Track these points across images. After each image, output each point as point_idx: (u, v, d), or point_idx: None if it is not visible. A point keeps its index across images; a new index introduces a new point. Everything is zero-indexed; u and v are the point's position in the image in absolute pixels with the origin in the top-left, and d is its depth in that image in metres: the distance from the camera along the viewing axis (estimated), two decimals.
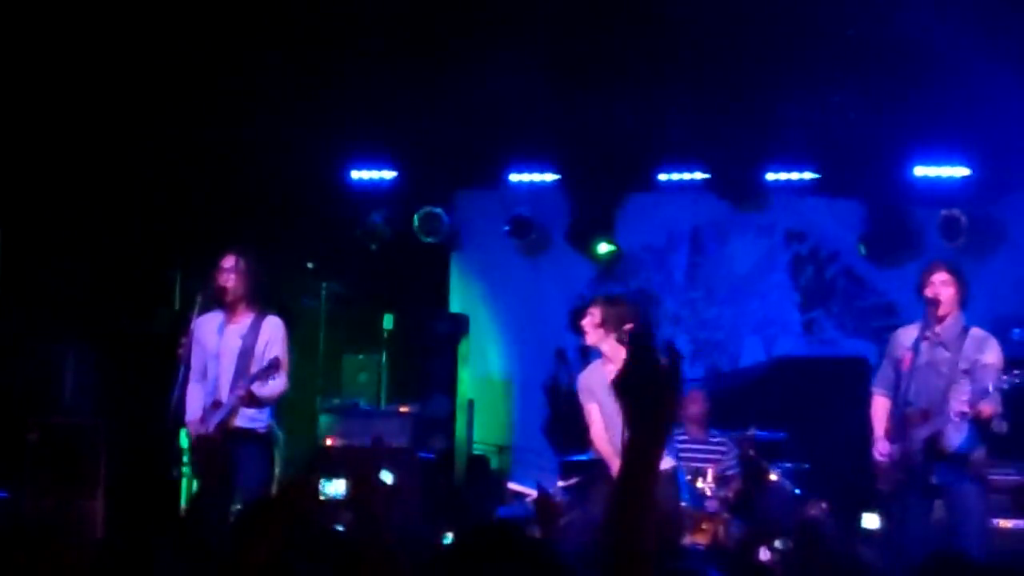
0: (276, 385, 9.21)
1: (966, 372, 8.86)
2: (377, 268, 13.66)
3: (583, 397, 9.37)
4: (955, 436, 8.84)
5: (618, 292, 12.54)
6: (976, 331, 9.04)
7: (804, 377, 12.81)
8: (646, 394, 2.96)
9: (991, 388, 8.60)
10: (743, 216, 13.45)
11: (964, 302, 9.04)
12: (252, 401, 9.16)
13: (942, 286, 8.95)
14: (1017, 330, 11.68)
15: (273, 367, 9.08)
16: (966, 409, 8.63)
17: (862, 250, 12.87)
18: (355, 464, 4.88)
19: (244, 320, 9.37)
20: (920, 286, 9.05)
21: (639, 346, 3.03)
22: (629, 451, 3.01)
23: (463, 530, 4.72)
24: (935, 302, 8.93)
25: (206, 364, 9.38)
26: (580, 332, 9.49)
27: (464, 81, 12.09)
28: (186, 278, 9.44)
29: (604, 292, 13.38)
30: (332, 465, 10.90)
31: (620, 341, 9.20)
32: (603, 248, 13.45)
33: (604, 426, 9.20)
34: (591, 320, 9.31)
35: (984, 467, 8.99)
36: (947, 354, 8.95)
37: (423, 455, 12.32)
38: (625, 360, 3.06)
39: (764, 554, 9.89)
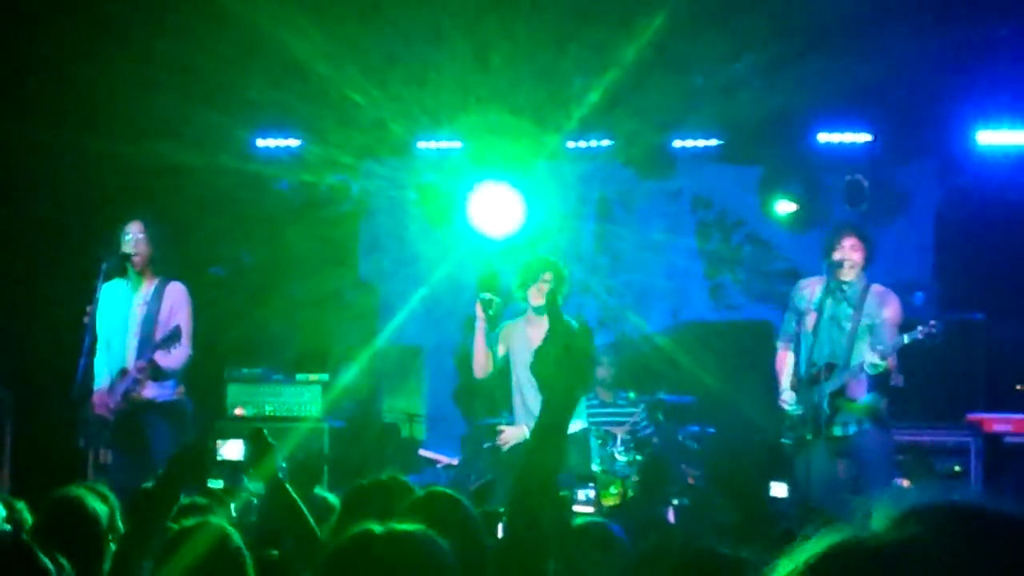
0: (179, 355, 9.20)
1: (869, 328, 9.07)
2: (285, 236, 13.60)
3: (499, 338, 9.67)
4: (858, 388, 9.05)
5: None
6: (877, 287, 9.27)
7: (711, 341, 12.93)
8: (563, 363, 3.03)
9: (906, 339, 8.80)
10: (649, 183, 13.53)
11: (869, 264, 9.24)
12: (156, 373, 9.15)
13: (851, 251, 9.12)
14: (920, 293, 11.85)
15: (175, 336, 9.06)
16: (878, 361, 8.82)
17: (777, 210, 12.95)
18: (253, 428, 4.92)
19: (148, 287, 9.35)
20: (828, 249, 9.20)
21: (556, 314, 3.12)
22: (542, 416, 3.10)
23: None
24: (842, 265, 9.09)
25: (111, 332, 9.35)
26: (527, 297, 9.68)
27: (371, 46, 12.06)
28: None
29: (512, 259, 13.47)
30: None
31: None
32: (498, 210, 13.35)
33: (515, 380, 9.73)
34: (547, 288, 9.50)
35: (887, 415, 9.21)
36: (850, 310, 9.14)
37: (333, 424, 12.31)
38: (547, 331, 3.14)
39: (671, 515, 10.04)
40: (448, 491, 4.29)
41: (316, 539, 4.49)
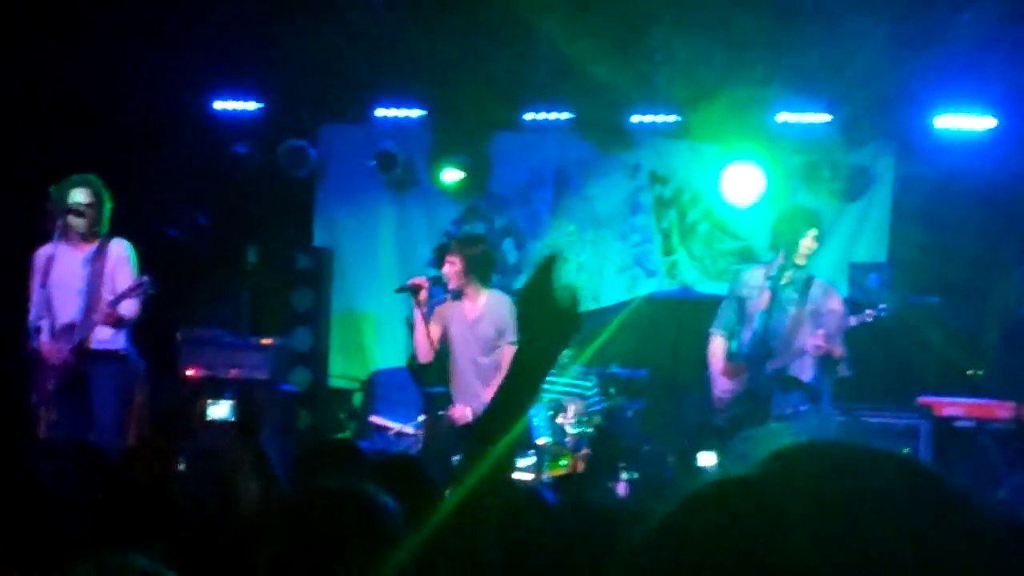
0: (133, 307, 9.21)
1: (812, 312, 9.20)
2: (241, 200, 13.55)
3: (432, 320, 9.58)
4: (802, 369, 9.17)
5: (473, 231, 12.68)
6: (819, 281, 9.46)
7: (665, 316, 12.97)
8: (548, 310, 2.94)
9: (853, 322, 8.93)
10: (607, 157, 13.52)
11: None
12: (116, 321, 9.14)
13: (813, 240, 9.25)
14: (874, 276, 11.92)
15: (141, 287, 9.06)
16: (821, 343, 8.95)
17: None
18: (242, 392, 4.96)
19: (89, 246, 9.33)
20: (791, 235, 9.28)
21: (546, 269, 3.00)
22: (516, 365, 2.99)
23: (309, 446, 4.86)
24: (801, 255, 9.22)
25: (48, 293, 9.31)
26: (445, 279, 9.64)
27: (330, 13, 12.02)
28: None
29: (468, 230, 13.49)
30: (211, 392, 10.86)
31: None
32: (449, 176, 13.39)
33: (453, 359, 9.76)
34: (453, 268, 9.49)
35: (828, 400, 9.34)
36: (795, 295, 9.26)
37: (285, 388, 12.30)
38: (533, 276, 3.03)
39: (622, 487, 10.07)
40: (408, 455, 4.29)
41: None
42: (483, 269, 9.72)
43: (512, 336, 9.51)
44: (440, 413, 9.85)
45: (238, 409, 4.72)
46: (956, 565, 1.30)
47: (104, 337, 9.30)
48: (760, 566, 1.30)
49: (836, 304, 9.31)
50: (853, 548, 1.29)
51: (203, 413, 5.40)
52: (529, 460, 10.15)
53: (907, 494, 1.34)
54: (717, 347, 9.69)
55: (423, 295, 9.54)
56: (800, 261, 9.30)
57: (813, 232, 9.29)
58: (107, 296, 9.24)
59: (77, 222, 9.27)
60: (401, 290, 9.77)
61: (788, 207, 10.20)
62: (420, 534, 2.87)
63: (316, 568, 2.89)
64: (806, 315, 9.26)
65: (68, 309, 9.30)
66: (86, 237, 9.36)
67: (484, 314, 9.63)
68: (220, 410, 5.15)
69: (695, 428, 10.99)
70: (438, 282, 9.71)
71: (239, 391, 4.84)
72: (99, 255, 9.32)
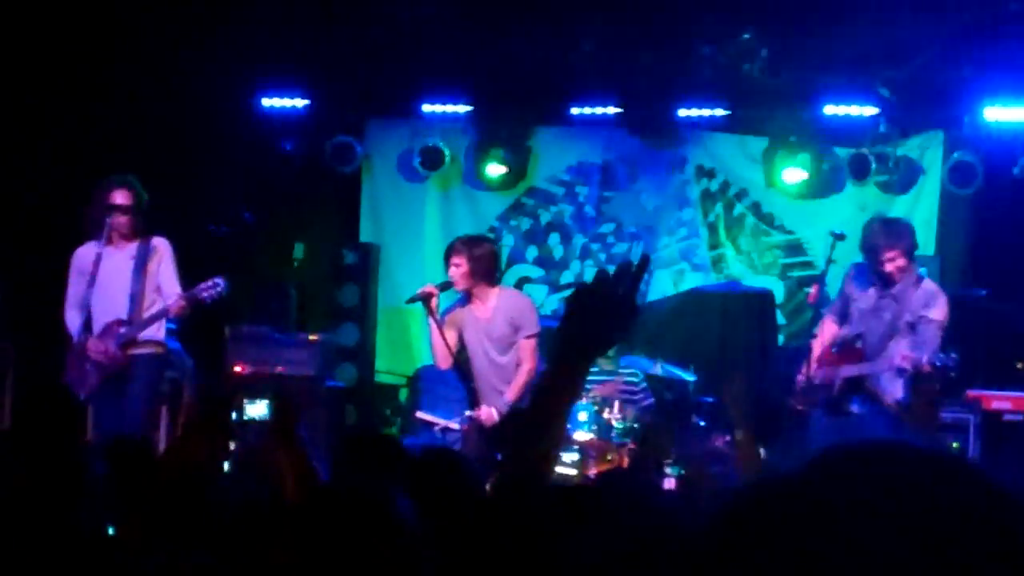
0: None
1: (910, 325, 9.05)
2: (288, 196, 13.59)
3: (446, 326, 9.45)
4: (892, 385, 9.04)
5: (476, 234, 12.63)
6: (928, 284, 9.27)
7: (712, 311, 12.90)
8: (594, 319, 2.94)
9: (924, 360, 8.76)
10: (654, 151, 13.49)
11: (912, 259, 9.24)
12: (184, 313, 9.26)
13: (889, 263, 9.09)
14: (923, 269, 11.82)
15: (217, 287, 9.17)
16: (906, 366, 8.82)
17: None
18: (277, 389, 4.98)
19: (130, 245, 9.39)
20: (871, 261, 9.19)
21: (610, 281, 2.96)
22: (553, 370, 2.99)
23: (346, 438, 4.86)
24: (890, 278, 9.11)
25: (86, 293, 9.36)
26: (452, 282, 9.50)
27: (377, 9, 12.04)
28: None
29: (513, 224, 13.49)
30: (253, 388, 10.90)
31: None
32: (494, 171, 13.41)
33: (472, 362, 9.55)
34: (459, 270, 9.38)
35: (917, 419, 9.22)
36: (895, 305, 9.12)
37: (331, 384, 12.33)
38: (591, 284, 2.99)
39: (669, 482, 10.02)
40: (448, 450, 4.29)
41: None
42: (489, 269, 9.58)
43: (529, 330, 9.46)
44: (467, 414, 9.77)
45: (274, 408, 4.73)
46: (999, 569, 1.29)
47: (147, 333, 9.39)
48: (802, 565, 1.30)
49: (937, 314, 9.06)
50: (895, 549, 1.28)
51: (241, 412, 5.42)
52: (573, 456, 10.12)
53: (952, 495, 1.33)
54: (826, 328, 9.60)
55: (434, 303, 9.33)
56: (893, 278, 9.16)
57: (889, 254, 9.10)
58: (152, 293, 9.32)
59: (121, 222, 9.32)
60: (412, 300, 9.60)
61: (871, 220, 10.05)
62: (451, 532, 2.87)
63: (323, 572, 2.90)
64: (903, 325, 9.14)
65: (115, 307, 9.37)
66: (128, 236, 9.41)
67: (496, 313, 9.52)
68: (258, 409, 5.16)
69: (763, 407, 10.96)
70: (447, 287, 9.55)
71: (277, 389, 4.85)
72: (144, 253, 9.39)
